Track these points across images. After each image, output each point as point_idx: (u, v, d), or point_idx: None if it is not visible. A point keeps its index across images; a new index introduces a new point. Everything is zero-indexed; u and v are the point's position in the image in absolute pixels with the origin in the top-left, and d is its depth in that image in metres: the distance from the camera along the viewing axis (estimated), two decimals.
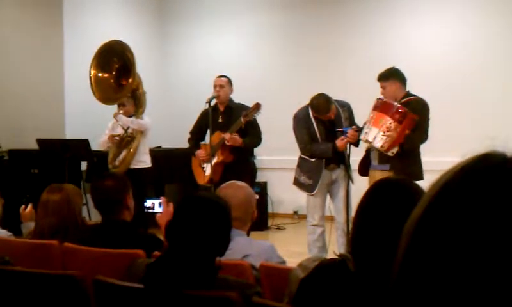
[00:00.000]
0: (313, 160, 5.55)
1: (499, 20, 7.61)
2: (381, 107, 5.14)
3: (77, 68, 8.19)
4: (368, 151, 5.42)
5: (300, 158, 5.70)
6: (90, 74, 6.77)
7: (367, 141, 5.19)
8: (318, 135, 5.51)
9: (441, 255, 0.55)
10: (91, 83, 6.74)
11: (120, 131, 6.68)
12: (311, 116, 5.51)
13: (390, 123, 5.04)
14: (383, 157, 5.25)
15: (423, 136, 5.26)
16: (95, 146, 7.17)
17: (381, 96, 5.28)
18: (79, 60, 8.14)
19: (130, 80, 6.62)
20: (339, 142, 5.40)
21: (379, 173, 5.14)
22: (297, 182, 5.72)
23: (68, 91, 8.34)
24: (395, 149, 5.11)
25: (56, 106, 8.26)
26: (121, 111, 6.60)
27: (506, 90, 7.55)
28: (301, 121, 5.56)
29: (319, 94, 5.47)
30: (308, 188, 5.60)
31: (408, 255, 0.58)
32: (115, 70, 6.81)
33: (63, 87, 8.34)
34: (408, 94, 5.33)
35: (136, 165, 6.64)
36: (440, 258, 0.55)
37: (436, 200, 0.57)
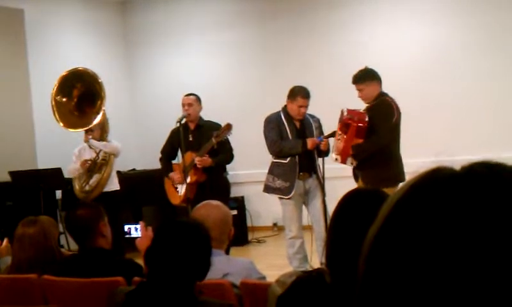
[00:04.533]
0: (287, 161, 5.55)
1: (473, 20, 7.70)
2: (339, 119, 5.25)
3: (44, 97, 8.11)
4: None
5: (273, 163, 5.69)
6: (51, 97, 6.81)
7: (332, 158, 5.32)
8: (289, 136, 5.56)
9: (396, 271, 0.57)
10: (52, 107, 6.78)
11: (87, 156, 6.77)
12: (283, 118, 5.59)
13: (339, 135, 5.13)
14: (359, 166, 5.29)
15: (381, 140, 5.14)
16: (66, 173, 7.15)
17: (344, 108, 5.27)
18: (46, 89, 8.08)
19: (96, 108, 6.68)
20: (310, 140, 5.45)
21: (359, 181, 5.25)
22: (270, 188, 5.70)
23: (37, 120, 8.28)
24: (352, 160, 5.14)
25: (26, 137, 8.19)
26: (90, 136, 6.68)
27: (481, 89, 7.65)
28: (272, 122, 5.63)
29: None
30: (284, 192, 5.57)
31: (366, 274, 0.61)
32: (76, 97, 6.85)
33: (31, 118, 8.28)
34: (380, 94, 5.28)
35: (108, 188, 6.78)
36: (395, 274, 0.57)
37: (389, 218, 0.60)
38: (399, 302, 0.56)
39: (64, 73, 6.94)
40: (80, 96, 6.86)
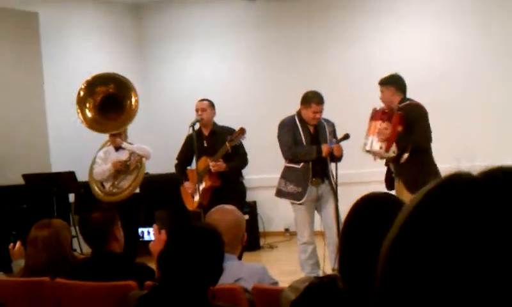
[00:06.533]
0: (300, 166, 5.55)
1: (492, 23, 7.68)
2: (372, 116, 5.35)
3: (58, 100, 8.20)
4: (389, 166, 5.48)
5: (286, 168, 5.70)
6: (78, 101, 6.92)
7: (368, 152, 5.31)
8: (303, 140, 5.56)
9: (414, 277, 0.57)
10: (81, 111, 6.90)
11: (114, 159, 6.78)
12: (297, 122, 5.59)
13: (381, 124, 5.20)
14: (396, 170, 5.32)
15: (421, 139, 5.30)
16: (82, 177, 7.18)
17: (376, 106, 5.42)
18: (60, 91, 8.17)
19: (126, 110, 6.78)
20: (325, 147, 5.45)
21: (397, 185, 5.35)
22: (282, 193, 5.71)
23: (50, 124, 8.33)
24: (394, 148, 5.20)
25: (39, 140, 8.24)
26: (118, 139, 6.74)
27: (502, 94, 7.60)
28: (286, 126, 5.64)
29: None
30: (296, 197, 5.57)
31: (385, 277, 0.60)
32: (102, 100, 6.96)
33: (45, 121, 8.33)
34: (404, 99, 5.42)
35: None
36: (414, 278, 0.57)
37: (407, 224, 0.60)
38: (419, 302, 0.56)
39: (90, 78, 7.07)
40: (106, 99, 6.96)
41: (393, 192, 5.27)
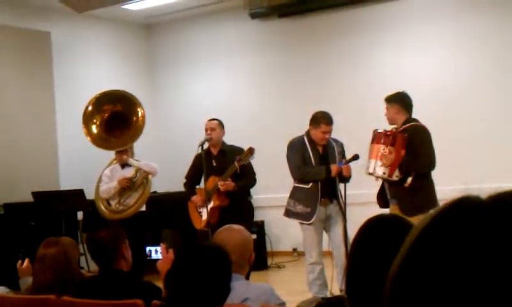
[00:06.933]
0: (309, 187, 5.54)
1: (483, 48, 7.71)
2: (373, 138, 5.26)
3: (68, 119, 8.25)
4: (383, 185, 5.44)
5: (294, 187, 5.70)
6: (85, 118, 6.95)
7: (370, 174, 5.26)
8: (312, 160, 5.56)
9: (422, 298, 0.57)
10: (87, 128, 6.92)
11: (120, 177, 6.76)
12: (306, 142, 5.59)
13: (384, 149, 5.13)
14: (391, 192, 5.29)
15: (425, 163, 5.23)
16: (90, 195, 7.19)
17: (377, 129, 5.35)
18: (71, 110, 8.22)
19: (132, 127, 6.82)
20: (334, 167, 5.43)
21: (392, 207, 5.26)
22: (290, 213, 5.70)
23: (60, 142, 8.38)
24: (397, 173, 5.15)
25: (49, 158, 8.28)
26: (124, 156, 6.74)
27: (499, 114, 7.60)
28: (295, 146, 5.65)
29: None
30: (305, 217, 5.56)
31: (392, 299, 0.60)
32: (109, 117, 6.98)
33: (55, 139, 8.38)
34: (408, 120, 5.34)
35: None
36: (422, 301, 0.57)
37: (414, 247, 0.59)
38: None
39: (98, 94, 7.10)
40: (112, 117, 6.98)
41: (387, 211, 5.25)
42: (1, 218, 7.39)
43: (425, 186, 5.23)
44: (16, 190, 7.71)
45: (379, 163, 5.13)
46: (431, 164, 5.27)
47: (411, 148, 5.17)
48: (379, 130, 5.28)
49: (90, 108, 6.99)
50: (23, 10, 8.21)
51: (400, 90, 5.49)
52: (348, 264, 1.76)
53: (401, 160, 5.12)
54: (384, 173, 5.14)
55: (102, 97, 7.09)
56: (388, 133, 5.19)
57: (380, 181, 5.40)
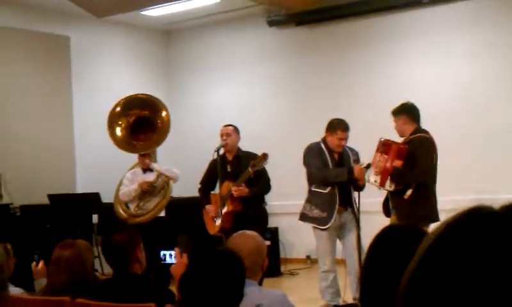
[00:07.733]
0: (327, 191, 5.52)
1: (501, 58, 7.67)
2: (377, 147, 5.28)
3: (86, 123, 8.31)
4: (387, 195, 5.42)
5: (311, 192, 5.68)
6: (111, 119, 6.93)
7: (369, 182, 5.27)
8: (330, 166, 5.55)
9: (435, 306, 0.57)
10: (112, 130, 6.91)
11: (141, 181, 6.77)
12: (323, 148, 5.58)
13: (378, 158, 5.13)
14: (392, 202, 5.28)
15: (419, 173, 5.16)
16: (106, 198, 7.22)
17: (382, 138, 5.34)
18: (88, 114, 8.28)
19: (156, 132, 6.83)
20: (357, 167, 5.38)
21: (392, 217, 5.26)
22: (306, 217, 5.68)
23: (78, 145, 8.44)
24: (390, 183, 5.12)
25: (66, 161, 8.35)
26: (147, 160, 6.74)
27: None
28: (313, 150, 5.64)
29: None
30: (321, 222, 5.54)
31: (405, 305, 0.60)
32: (134, 121, 6.97)
33: (73, 142, 8.45)
34: (417, 130, 5.31)
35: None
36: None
37: (426, 256, 0.60)
38: None
39: (126, 98, 7.10)
40: (138, 121, 6.97)
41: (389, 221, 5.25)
42: (17, 220, 7.45)
43: (425, 198, 5.18)
44: (32, 192, 7.77)
45: (373, 171, 5.18)
46: (427, 175, 5.19)
47: (412, 158, 5.13)
48: (382, 139, 5.28)
49: (118, 109, 6.95)
50: (43, 15, 8.29)
51: (406, 101, 5.47)
52: (362, 272, 1.76)
53: (393, 171, 5.07)
54: (375, 181, 5.13)
55: (131, 101, 7.04)
56: (386, 142, 5.18)
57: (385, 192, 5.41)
